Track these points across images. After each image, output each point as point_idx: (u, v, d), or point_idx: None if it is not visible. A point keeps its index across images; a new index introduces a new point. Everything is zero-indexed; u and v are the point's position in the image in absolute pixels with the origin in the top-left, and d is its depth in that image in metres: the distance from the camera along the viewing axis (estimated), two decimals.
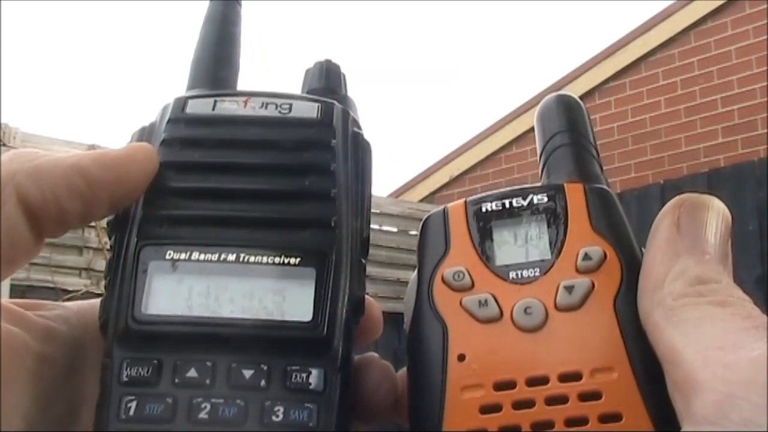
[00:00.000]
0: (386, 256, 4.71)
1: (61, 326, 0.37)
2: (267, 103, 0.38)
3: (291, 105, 0.38)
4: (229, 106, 0.38)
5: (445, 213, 0.41)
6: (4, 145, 3.42)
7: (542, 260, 0.37)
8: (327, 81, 0.42)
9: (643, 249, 0.37)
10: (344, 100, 0.41)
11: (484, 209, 0.40)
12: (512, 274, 0.37)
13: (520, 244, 0.38)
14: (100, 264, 3.63)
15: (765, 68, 5.07)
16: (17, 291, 3.43)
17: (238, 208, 0.35)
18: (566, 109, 0.46)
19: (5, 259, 0.32)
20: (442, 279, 0.38)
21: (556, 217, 0.38)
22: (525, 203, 0.39)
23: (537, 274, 0.37)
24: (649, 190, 4.35)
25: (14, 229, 0.32)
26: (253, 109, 0.38)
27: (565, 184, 0.40)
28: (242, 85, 0.42)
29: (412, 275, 0.41)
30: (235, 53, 0.43)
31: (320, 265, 0.35)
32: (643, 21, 5.82)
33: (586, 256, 0.36)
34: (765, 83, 5.07)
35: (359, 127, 0.40)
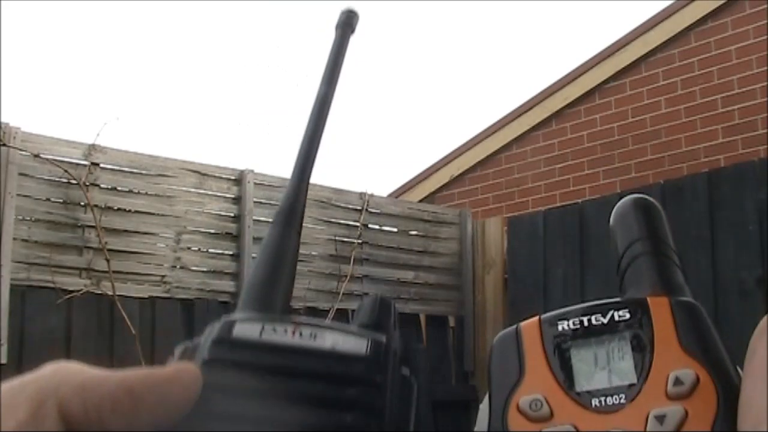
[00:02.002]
0: (386, 256, 4.72)
1: None
2: (315, 334, 0.38)
3: (340, 339, 0.38)
4: (276, 333, 0.38)
5: (518, 332, 0.38)
6: (4, 145, 3.42)
7: (628, 385, 0.34)
8: (379, 317, 0.42)
9: (739, 369, 0.33)
10: (392, 335, 0.41)
11: (560, 328, 0.37)
12: (595, 402, 0.34)
13: (602, 367, 0.35)
14: (101, 264, 3.63)
15: (765, 68, 5.07)
16: (17, 291, 3.43)
17: None
18: (645, 214, 0.42)
19: None
20: (518, 408, 0.35)
21: (640, 336, 0.35)
22: (605, 321, 0.36)
23: (623, 401, 0.33)
24: (649, 190, 4.35)
25: None
26: (300, 338, 0.37)
27: (648, 298, 0.36)
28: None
29: (483, 402, 0.38)
30: (288, 280, 0.43)
31: None
32: (643, 21, 5.82)
33: (677, 381, 0.32)
34: (765, 83, 5.07)
35: (407, 365, 0.40)
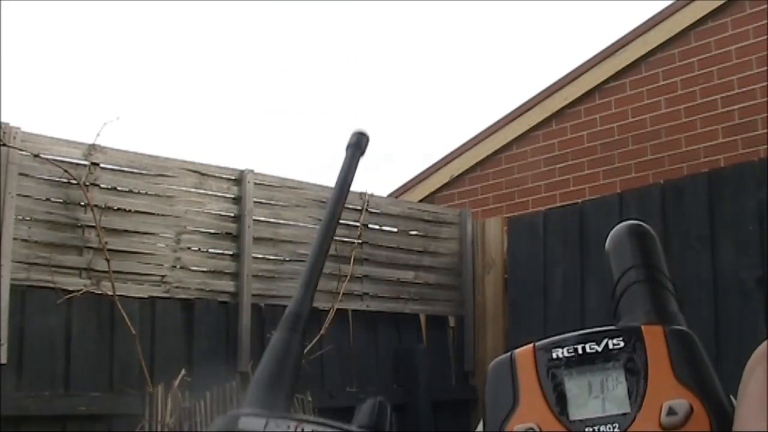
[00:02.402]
0: (386, 256, 4.72)
1: None
2: None
3: None
4: (280, 429, 0.39)
5: (512, 360, 0.38)
6: (4, 145, 3.42)
7: (621, 414, 0.34)
8: (377, 420, 0.44)
9: (732, 399, 0.32)
10: None
11: (555, 355, 0.36)
12: (588, 431, 0.34)
13: (596, 396, 0.35)
14: (101, 264, 3.63)
15: (765, 68, 5.07)
16: (17, 291, 3.43)
17: None
18: (639, 241, 0.42)
19: None
20: None
21: (634, 365, 0.35)
22: (599, 348, 0.36)
23: (616, 430, 0.33)
24: (649, 190, 4.35)
25: None
26: None
27: (642, 327, 0.36)
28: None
29: (477, 428, 0.38)
30: (292, 378, 0.46)
31: None
32: (643, 21, 5.82)
33: (671, 411, 0.32)
34: (765, 83, 5.07)
35: None
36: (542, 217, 4.82)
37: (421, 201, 6.47)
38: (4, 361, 3.31)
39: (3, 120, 3.44)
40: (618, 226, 0.43)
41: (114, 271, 3.65)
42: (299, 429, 0.39)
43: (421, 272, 4.88)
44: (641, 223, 0.43)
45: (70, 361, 3.54)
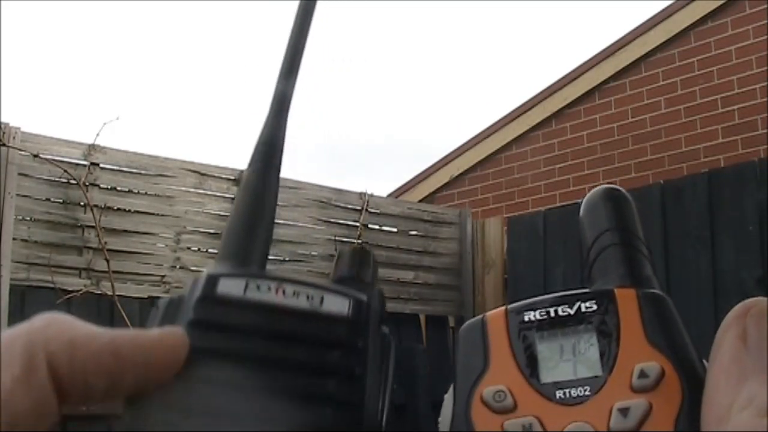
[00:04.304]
0: (386, 256, 4.71)
1: None
2: (299, 293, 0.38)
3: (323, 297, 0.38)
4: (260, 291, 0.37)
5: (483, 322, 0.37)
6: (4, 145, 3.42)
7: (593, 377, 0.33)
8: (358, 270, 0.42)
9: (705, 362, 0.32)
10: (372, 292, 0.40)
11: (526, 319, 0.36)
12: (559, 394, 0.33)
13: (568, 359, 0.34)
14: (101, 264, 3.63)
15: (765, 68, 5.07)
16: (17, 291, 3.43)
17: (262, 406, 0.35)
18: (614, 205, 0.41)
19: (30, 428, 0.31)
20: (481, 399, 0.34)
21: (606, 328, 0.34)
22: (572, 312, 0.35)
23: (587, 393, 0.33)
24: (649, 190, 4.35)
25: (44, 400, 0.31)
26: (284, 296, 0.37)
27: (615, 290, 0.36)
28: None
29: (448, 392, 0.37)
30: (267, 227, 0.42)
31: None
32: (643, 21, 5.82)
33: (642, 374, 0.32)
34: (765, 83, 5.07)
35: (386, 325, 0.39)
36: (542, 217, 4.82)
37: (421, 201, 6.47)
38: None
39: (3, 120, 3.44)
40: (592, 191, 0.42)
41: (114, 271, 3.65)
42: (281, 290, 0.37)
43: (421, 272, 4.88)
44: (617, 187, 0.42)
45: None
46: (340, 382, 0.35)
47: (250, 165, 0.43)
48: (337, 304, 0.38)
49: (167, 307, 0.38)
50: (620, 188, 0.42)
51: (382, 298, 0.41)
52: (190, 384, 0.35)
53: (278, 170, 0.43)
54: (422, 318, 4.98)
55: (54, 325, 0.33)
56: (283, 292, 0.37)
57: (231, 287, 0.37)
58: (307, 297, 0.37)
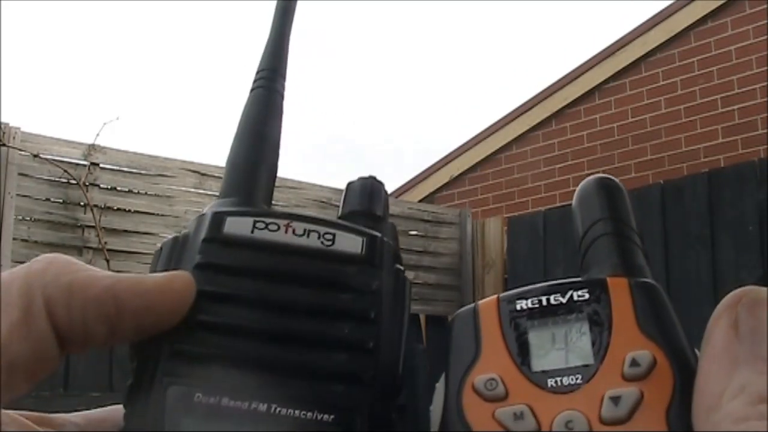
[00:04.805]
0: None
1: None
2: (309, 231, 0.35)
3: (334, 236, 0.35)
4: (269, 230, 0.35)
5: (475, 311, 0.37)
6: (4, 145, 3.42)
7: (584, 366, 0.33)
8: (369, 203, 0.40)
9: (697, 351, 0.32)
10: (385, 226, 0.39)
11: (518, 307, 0.36)
12: (551, 382, 0.33)
13: (560, 348, 0.34)
14: (101, 264, 3.63)
15: (765, 68, 5.07)
16: None
17: (274, 353, 0.33)
18: (607, 194, 0.41)
19: (30, 373, 0.30)
20: (473, 387, 0.34)
21: (599, 317, 0.34)
22: (564, 300, 0.35)
23: (579, 381, 0.33)
24: (649, 190, 4.35)
25: (43, 344, 0.30)
26: (294, 236, 0.35)
27: (608, 279, 0.36)
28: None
29: (439, 380, 0.37)
30: (273, 157, 0.40)
31: (351, 424, 0.33)
32: (643, 21, 5.82)
33: (634, 362, 0.32)
34: (765, 83, 5.07)
35: (400, 262, 0.38)
36: (542, 217, 4.82)
37: (420, 201, 6.47)
38: None
39: (3, 120, 3.45)
40: (585, 180, 0.42)
41: (114, 271, 3.64)
42: (290, 229, 0.35)
43: (421, 272, 4.88)
44: (610, 176, 0.42)
45: (69, 361, 3.54)
46: (354, 326, 0.34)
47: (251, 90, 0.40)
48: (350, 243, 0.36)
49: (171, 248, 0.37)
50: (613, 178, 0.42)
51: (395, 233, 0.39)
52: (197, 329, 0.33)
53: (282, 96, 0.41)
54: (422, 318, 4.98)
55: (53, 267, 0.32)
56: (293, 231, 0.35)
57: (238, 226, 0.35)
58: (318, 235, 0.35)
